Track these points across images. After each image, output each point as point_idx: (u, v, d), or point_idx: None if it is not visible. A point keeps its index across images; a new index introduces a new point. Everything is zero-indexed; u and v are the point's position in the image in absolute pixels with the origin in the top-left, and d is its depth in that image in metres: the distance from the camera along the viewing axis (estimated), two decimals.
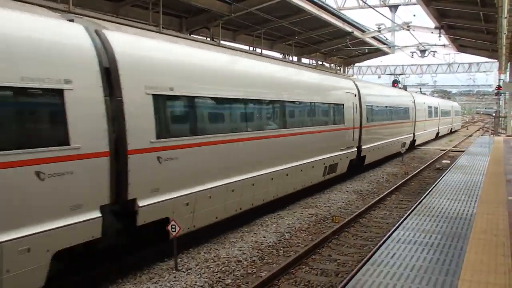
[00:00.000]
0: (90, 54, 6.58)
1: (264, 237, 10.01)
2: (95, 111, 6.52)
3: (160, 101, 7.88)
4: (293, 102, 12.76)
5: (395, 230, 6.93)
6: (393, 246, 5.97)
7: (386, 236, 6.84)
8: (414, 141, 28.90)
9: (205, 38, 18.42)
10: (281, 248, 9.41)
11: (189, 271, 8.00)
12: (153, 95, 7.61)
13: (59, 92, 6.04)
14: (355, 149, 17.38)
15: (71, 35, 6.51)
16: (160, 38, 8.82)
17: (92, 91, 6.52)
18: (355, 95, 17.54)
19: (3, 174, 5.34)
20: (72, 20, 6.91)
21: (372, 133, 19.11)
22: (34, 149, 5.69)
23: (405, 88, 35.78)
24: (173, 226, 7.90)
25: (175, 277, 7.66)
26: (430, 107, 35.02)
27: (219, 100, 9.53)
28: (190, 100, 8.65)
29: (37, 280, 5.80)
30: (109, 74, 6.87)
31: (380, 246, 6.14)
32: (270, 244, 9.56)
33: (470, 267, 5.20)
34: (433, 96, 59.24)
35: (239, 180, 10.04)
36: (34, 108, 6.03)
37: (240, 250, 9.08)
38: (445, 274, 4.99)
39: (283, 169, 11.92)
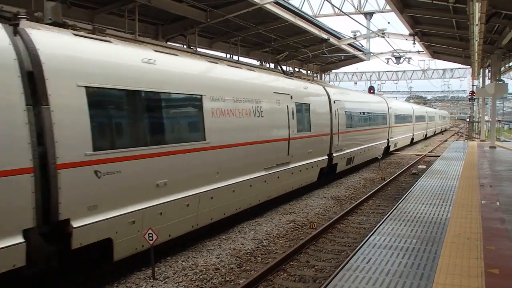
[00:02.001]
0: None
1: (242, 244, 9.99)
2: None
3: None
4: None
5: (371, 235, 6.99)
6: (369, 251, 6.02)
7: (362, 242, 6.90)
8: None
9: (181, 46, 18.41)
10: (259, 255, 9.40)
11: (166, 279, 7.93)
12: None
13: None
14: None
15: None
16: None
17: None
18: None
19: None
20: None
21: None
22: None
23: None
24: (150, 235, 7.84)
25: (152, 286, 7.58)
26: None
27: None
28: None
29: None
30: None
31: (357, 251, 6.18)
32: (248, 251, 9.55)
33: (444, 271, 5.27)
34: (409, 102, 60.08)
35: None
36: None
37: (218, 258, 9.04)
38: (420, 278, 5.05)
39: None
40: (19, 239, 5.70)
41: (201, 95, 9.49)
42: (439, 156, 22.25)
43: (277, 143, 12.78)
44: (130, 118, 7.93)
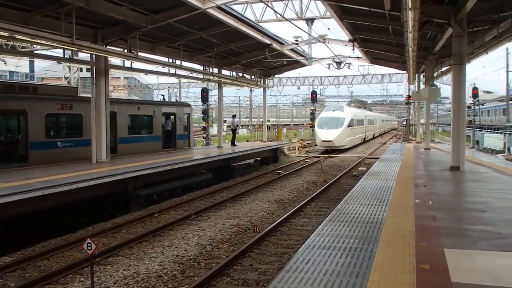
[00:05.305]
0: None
1: (186, 250, 9.94)
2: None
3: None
4: None
5: (310, 236, 7.14)
6: (308, 253, 6.15)
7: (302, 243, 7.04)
8: None
9: (122, 50, 18.07)
10: (203, 260, 9.39)
11: None
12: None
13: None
14: None
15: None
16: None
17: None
18: None
19: None
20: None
21: None
22: None
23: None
24: (89, 244, 7.64)
25: None
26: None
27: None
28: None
29: None
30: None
31: (295, 253, 6.30)
32: (191, 257, 9.51)
33: (378, 268, 5.46)
34: (350, 105, 61.67)
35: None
36: None
37: (161, 265, 8.95)
38: (356, 276, 5.21)
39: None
40: None
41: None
42: (378, 158, 22.96)
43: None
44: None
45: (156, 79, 56.60)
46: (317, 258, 5.88)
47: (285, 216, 12.81)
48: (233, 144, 28.43)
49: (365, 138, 49.10)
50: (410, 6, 10.76)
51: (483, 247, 6.33)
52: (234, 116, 32.87)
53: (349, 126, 37.59)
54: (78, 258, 9.63)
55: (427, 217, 8.17)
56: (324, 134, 36.01)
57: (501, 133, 35.82)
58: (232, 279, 8.38)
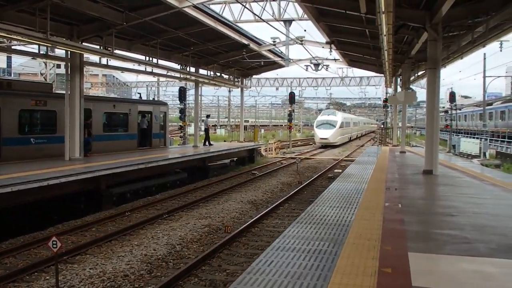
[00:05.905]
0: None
1: (154, 250, 9.87)
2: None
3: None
4: None
5: (276, 238, 7.13)
6: (272, 254, 6.13)
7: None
8: None
9: (98, 47, 17.86)
10: (171, 260, 9.34)
11: None
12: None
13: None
14: None
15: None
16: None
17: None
18: None
19: None
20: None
21: None
22: None
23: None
24: (54, 242, 7.52)
25: None
26: None
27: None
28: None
29: None
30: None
31: (260, 254, 6.29)
32: (160, 256, 9.45)
33: (341, 271, 5.47)
34: (329, 108, 62.06)
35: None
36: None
37: (128, 264, 8.86)
38: (317, 279, 5.21)
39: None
40: None
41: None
42: (354, 161, 23.10)
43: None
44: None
45: (135, 77, 56.09)
46: (280, 260, 5.87)
47: (257, 217, 12.81)
48: (208, 143, 28.30)
49: (350, 137, 58.67)
50: (383, 9, 10.84)
51: (448, 252, 6.36)
52: (208, 116, 32.70)
53: (340, 127, 47.94)
54: (45, 256, 9.49)
55: (395, 220, 8.22)
56: (322, 133, 46.40)
57: (477, 138, 36.40)
58: (199, 279, 8.35)
